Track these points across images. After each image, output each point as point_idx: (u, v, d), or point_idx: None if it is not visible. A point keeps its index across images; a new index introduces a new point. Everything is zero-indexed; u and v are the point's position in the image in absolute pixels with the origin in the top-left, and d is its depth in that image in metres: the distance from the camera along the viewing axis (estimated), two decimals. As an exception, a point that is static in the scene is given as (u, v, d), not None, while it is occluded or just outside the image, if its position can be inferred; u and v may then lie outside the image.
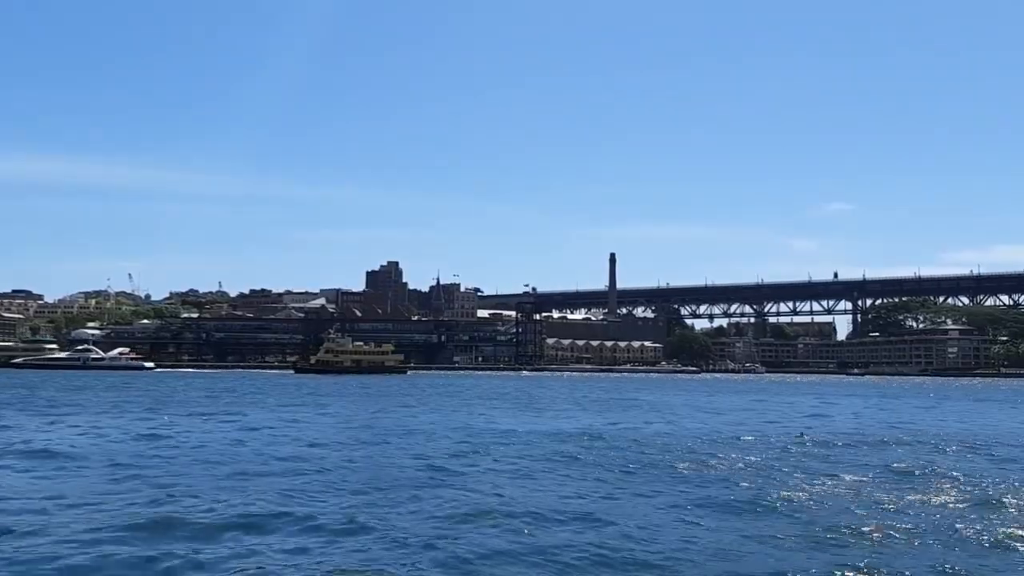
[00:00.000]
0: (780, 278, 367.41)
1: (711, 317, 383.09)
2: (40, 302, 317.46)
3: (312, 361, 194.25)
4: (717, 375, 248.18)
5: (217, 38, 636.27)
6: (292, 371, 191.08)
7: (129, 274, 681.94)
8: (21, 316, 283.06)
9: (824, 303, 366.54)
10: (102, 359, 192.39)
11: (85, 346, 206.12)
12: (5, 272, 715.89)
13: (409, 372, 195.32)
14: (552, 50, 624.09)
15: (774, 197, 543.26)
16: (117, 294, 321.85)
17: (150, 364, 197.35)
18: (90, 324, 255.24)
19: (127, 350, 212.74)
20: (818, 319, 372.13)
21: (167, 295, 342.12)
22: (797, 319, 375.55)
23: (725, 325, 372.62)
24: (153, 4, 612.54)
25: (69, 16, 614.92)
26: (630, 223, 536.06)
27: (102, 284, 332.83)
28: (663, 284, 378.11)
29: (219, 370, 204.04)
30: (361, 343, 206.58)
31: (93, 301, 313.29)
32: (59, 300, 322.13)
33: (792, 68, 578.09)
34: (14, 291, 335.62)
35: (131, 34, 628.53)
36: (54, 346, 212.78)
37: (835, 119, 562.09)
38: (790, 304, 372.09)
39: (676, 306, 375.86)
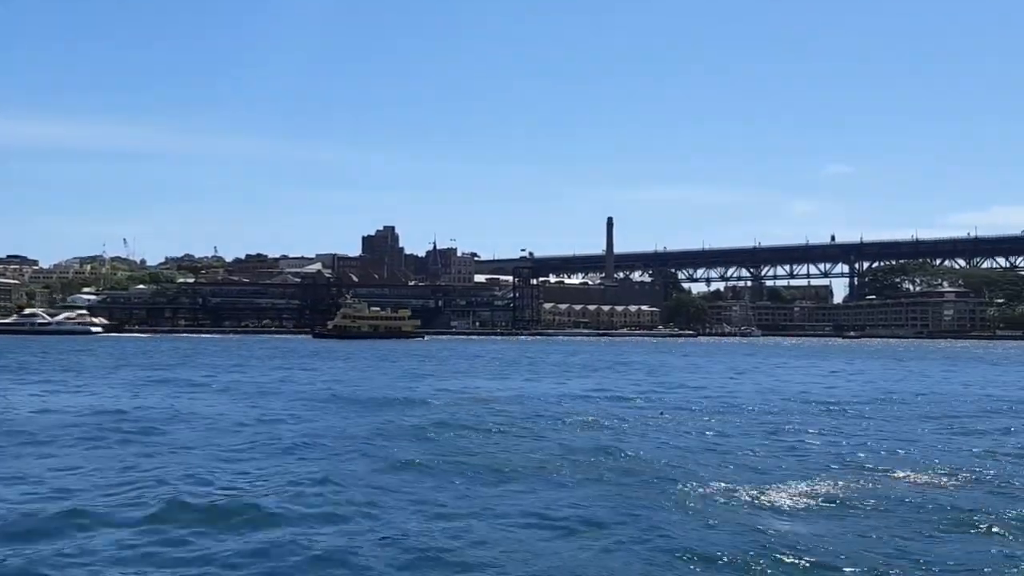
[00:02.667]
0: (777, 241, 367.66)
1: (708, 281, 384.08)
2: (35, 268, 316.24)
3: (330, 326, 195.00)
4: (713, 339, 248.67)
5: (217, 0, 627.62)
6: (310, 335, 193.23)
7: (124, 239, 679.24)
8: (16, 282, 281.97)
9: (821, 266, 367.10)
10: (48, 324, 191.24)
11: (31, 311, 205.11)
12: (2, 237, 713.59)
13: (426, 337, 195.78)
14: (545, 9, 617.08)
15: (773, 160, 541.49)
16: (112, 259, 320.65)
17: (97, 328, 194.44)
18: (85, 289, 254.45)
19: (74, 314, 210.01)
20: (815, 282, 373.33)
21: (163, 260, 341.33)
22: (794, 282, 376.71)
23: (722, 289, 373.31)
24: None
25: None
26: (627, 186, 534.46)
27: (97, 249, 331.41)
28: (660, 248, 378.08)
29: (225, 334, 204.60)
30: (378, 308, 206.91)
31: (88, 267, 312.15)
32: (54, 266, 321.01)
33: (790, 29, 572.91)
34: (9, 256, 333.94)
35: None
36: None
37: (834, 81, 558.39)
38: (787, 267, 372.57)
39: (673, 270, 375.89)
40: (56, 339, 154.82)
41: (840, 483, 18.52)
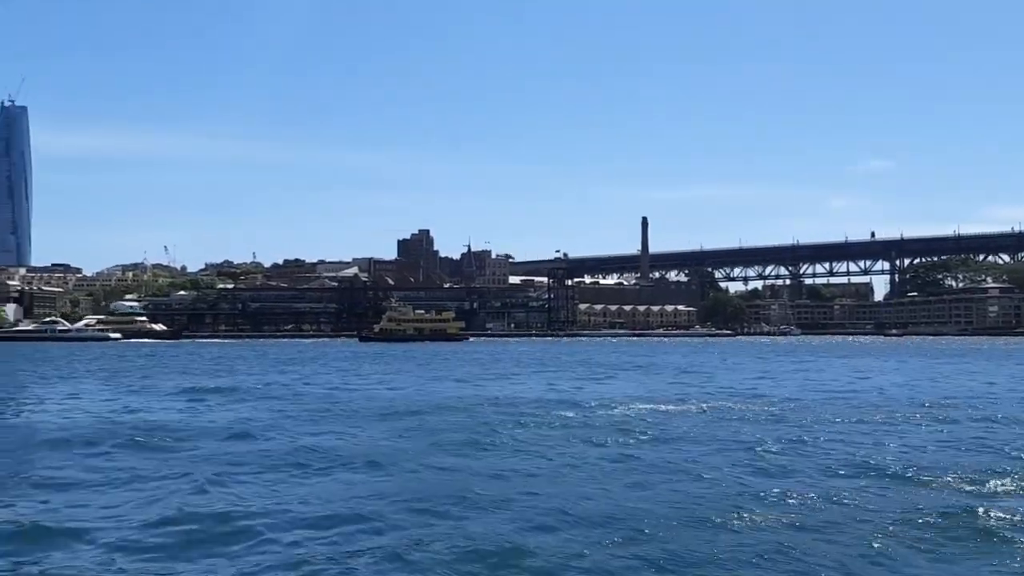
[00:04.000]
0: (816, 239, 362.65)
1: (745, 280, 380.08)
2: (79, 276, 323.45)
3: (376, 330, 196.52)
4: (752, 338, 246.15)
5: (253, 9, 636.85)
6: (356, 339, 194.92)
7: (165, 246, 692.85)
8: (61, 290, 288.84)
9: (861, 263, 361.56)
10: (68, 330, 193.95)
11: (52, 318, 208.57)
12: (45, 246, 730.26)
13: (471, 339, 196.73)
14: (575, 5, 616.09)
15: (810, 155, 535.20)
16: (154, 266, 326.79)
17: (116, 335, 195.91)
18: (128, 296, 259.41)
19: (93, 320, 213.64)
20: (855, 280, 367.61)
21: (202, 266, 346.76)
22: (834, 280, 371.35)
23: (760, 288, 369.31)
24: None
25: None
26: (662, 185, 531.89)
27: (139, 257, 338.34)
28: (696, 247, 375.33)
29: (263, 339, 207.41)
30: (422, 311, 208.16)
31: (130, 274, 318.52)
32: (97, 273, 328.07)
33: (827, 23, 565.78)
34: (54, 265, 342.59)
35: (160, 4, 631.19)
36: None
37: (872, 74, 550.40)
38: (826, 265, 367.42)
39: (710, 269, 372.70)
40: (101, 345, 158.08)
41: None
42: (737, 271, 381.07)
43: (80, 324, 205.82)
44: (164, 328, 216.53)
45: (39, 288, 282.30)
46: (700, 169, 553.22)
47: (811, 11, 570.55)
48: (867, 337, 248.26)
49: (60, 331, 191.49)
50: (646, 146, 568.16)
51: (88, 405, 38.50)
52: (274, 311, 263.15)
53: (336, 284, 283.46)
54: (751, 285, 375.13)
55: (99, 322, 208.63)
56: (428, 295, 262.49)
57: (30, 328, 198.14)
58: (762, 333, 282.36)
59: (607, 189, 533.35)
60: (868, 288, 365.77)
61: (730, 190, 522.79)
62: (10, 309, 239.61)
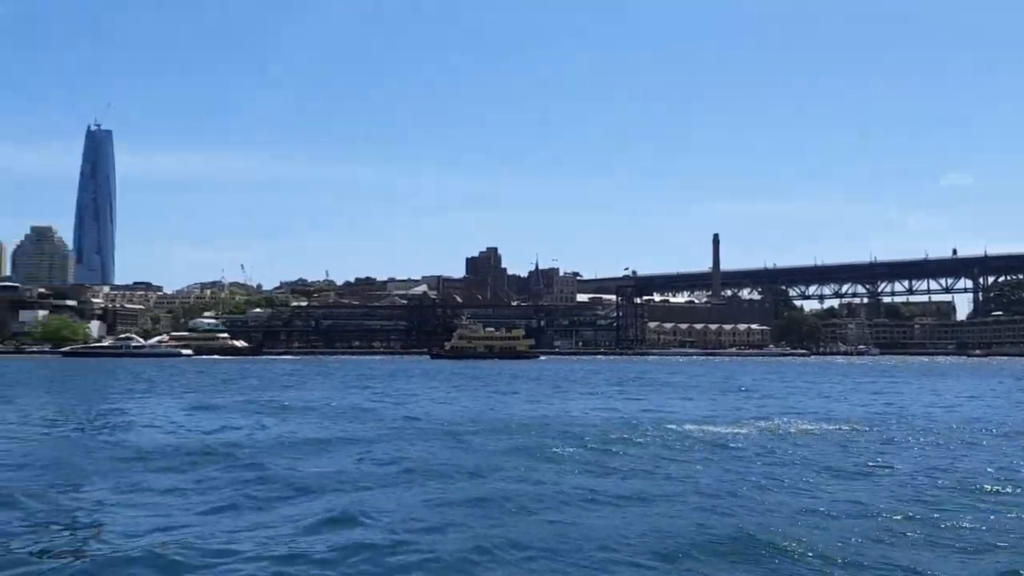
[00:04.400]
0: (895, 256, 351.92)
1: (821, 298, 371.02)
2: (159, 294, 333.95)
3: (446, 347, 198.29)
4: (828, 358, 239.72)
5: (312, 33, 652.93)
6: (427, 356, 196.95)
7: (242, 265, 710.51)
8: (142, 307, 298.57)
9: (942, 281, 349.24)
10: (143, 346, 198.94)
11: (127, 335, 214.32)
12: (128, 265, 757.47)
13: (541, 357, 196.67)
14: (640, 24, 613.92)
15: (888, 171, 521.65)
16: (231, 284, 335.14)
17: (188, 352, 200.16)
18: (206, 314, 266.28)
19: (165, 337, 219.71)
20: (936, 298, 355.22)
21: (278, 284, 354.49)
22: (913, 299, 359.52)
23: (836, 306, 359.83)
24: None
25: (167, 14, 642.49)
26: (734, 202, 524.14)
27: (217, 275, 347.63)
28: (770, 265, 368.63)
29: (337, 356, 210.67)
30: (492, 329, 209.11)
31: (208, 292, 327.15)
32: (177, 291, 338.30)
33: (905, 37, 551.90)
34: (135, 283, 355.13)
35: (227, 24, 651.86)
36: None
37: (950, 87, 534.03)
38: (905, 283, 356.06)
39: (784, 287, 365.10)
40: (180, 361, 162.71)
41: None
42: (812, 289, 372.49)
43: (153, 340, 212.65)
44: (244, 345, 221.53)
45: (122, 306, 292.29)
46: (773, 185, 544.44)
47: (886, 25, 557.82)
48: (949, 357, 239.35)
49: (134, 347, 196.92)
50: (717, 162, 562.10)
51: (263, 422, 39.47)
52: (346, 328, 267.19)
53: (405, 302, 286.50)
54: (827, 304, 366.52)
55: (184, 339, 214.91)
56: (496, 313, 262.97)
57: (106, 344, 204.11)
58: (838, 353, 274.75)
59: (677, 205, 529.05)
60: (950, 307, 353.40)
61: (805, 206, 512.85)
62: (95, 326, 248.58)
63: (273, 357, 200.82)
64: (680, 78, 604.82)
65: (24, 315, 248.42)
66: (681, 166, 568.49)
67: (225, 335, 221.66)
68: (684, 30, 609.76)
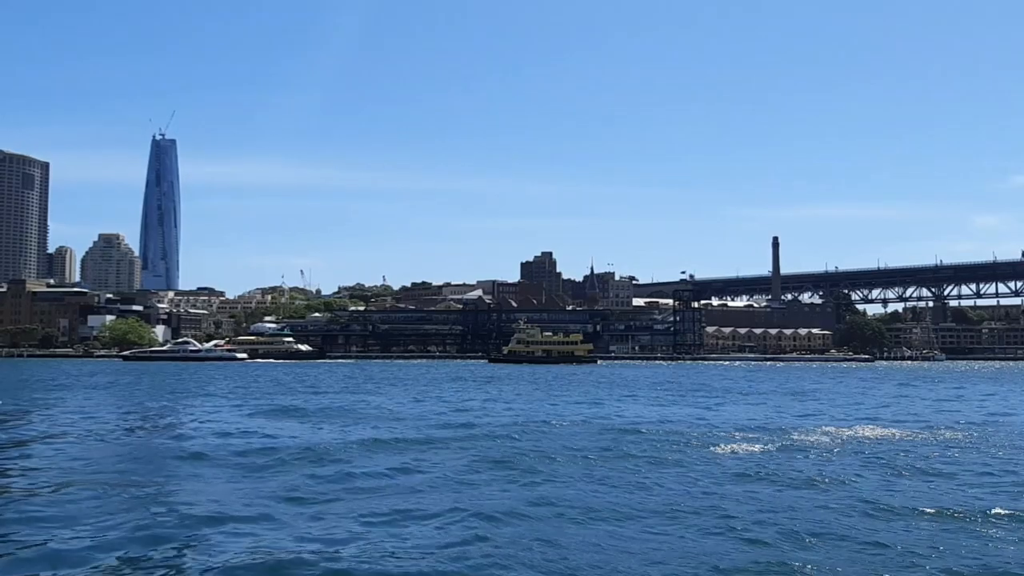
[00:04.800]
0: (961, 258, 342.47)
1: (885, 302, 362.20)
2: (222, 298, 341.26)
3: (504, 351, 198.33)
4: (892, 363, 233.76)
5: (371, 44, 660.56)
6: (485, 360, 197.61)
7: (301, 270, 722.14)
8: (205, 312, 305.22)
9: (1012, 284, 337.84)
10: (199, 350, 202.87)
11: (184, 339, 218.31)
12: (193, 270, 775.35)
13: (600, 362, 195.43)
14: (693, 26, 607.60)
15: (952, 171, 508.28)
16: (291, 289, 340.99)
17: (242, 355, 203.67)
18: (267, 318, 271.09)
19: (221, 342, 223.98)
20: (1004, 302, 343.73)
21: (336, 289, 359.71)
22: (981, 303, 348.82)
23: (901, 310, 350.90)
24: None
25: (212, 27, 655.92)
26: (794, 204, 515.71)
27: (277, 280, 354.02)
28: (831, 268, 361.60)
29: (396, 359, 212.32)
30: (550, 333, 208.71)
31: (269, 296, 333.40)
32: (239, 296, 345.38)
33: (972, 37, 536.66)
34: (199, 288, 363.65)
35: (282, 33, 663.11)
36: (290, 339, 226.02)
37: (1019, 86, 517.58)
38: (972, 286, 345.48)
39: (846, 291, 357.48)
40: (239, 365, 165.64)
41: None
42: (876, 293, 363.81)
43: (209, 345, 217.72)
44: (307, 348, 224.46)
45: (186, 310, 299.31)
46: (834, 187, 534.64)
47: (952, 24, 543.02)
48: (1020, 363, 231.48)
49: (191, 351, 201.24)
50: (776, 164, 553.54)
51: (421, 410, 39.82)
52: (403, 332, 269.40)
53: (461, 306, 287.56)
54: (891, 307, 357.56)
55: (249, 343, 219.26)
56: (551, 317, 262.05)
57: (165, 348, 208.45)
58: (903, 358, 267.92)
59: (735, 208, 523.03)
60: (1019, 311, 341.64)
61: (867, 209, 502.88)
62: (160, 330, 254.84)
63: (337, 361, 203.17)
64: (738, 81, 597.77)
65: (93, 320, 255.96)
66: (739, 168, 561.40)
67: (290, 339, 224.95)
68: (743, 33, 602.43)
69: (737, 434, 34.89)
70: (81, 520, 17.57)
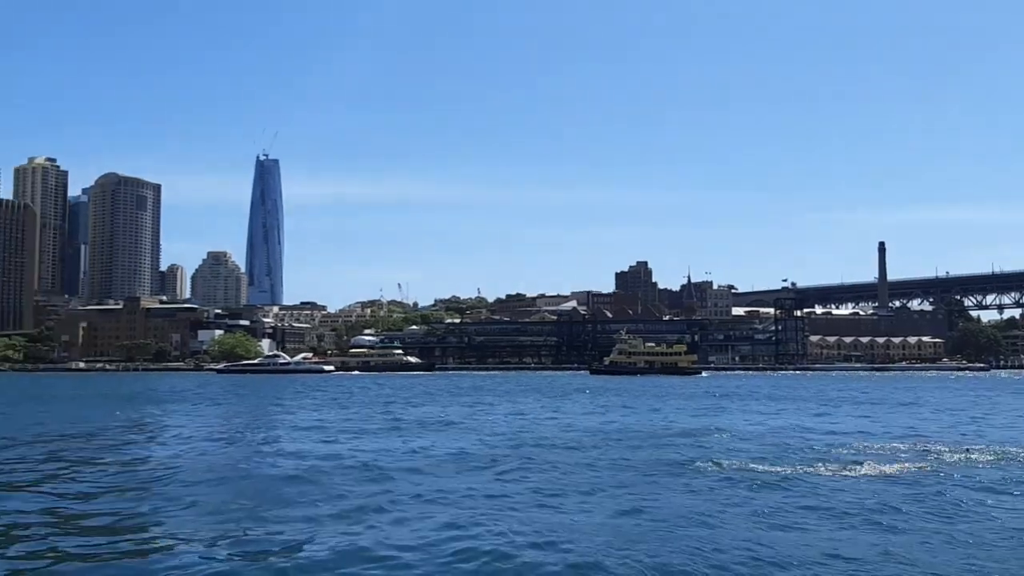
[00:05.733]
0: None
1: (1000, 308, 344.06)
2: (324, 312, 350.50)
3: (606, 363, 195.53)
4: (1011, 372, 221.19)
5: (461, 59, 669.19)
6: (587, 372, 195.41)
7: (399, 283, 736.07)
8: (308, 326, 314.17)
9: None
10: (288, 364, 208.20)
11: (274, 352, 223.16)
12: (296, 285, 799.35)
13: (704, 373, 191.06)
14: (788, 33, 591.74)
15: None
16: (389, 302, 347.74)
17: (330, 367, 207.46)
18: (366, 331, 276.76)
19: (310, 355, 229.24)
20: None
21: (432, 302, 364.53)
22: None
23: (1018, 316, 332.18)
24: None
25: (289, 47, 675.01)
26: (899, 208, 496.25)
27: (376, 293, 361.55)
28: (941, 273, 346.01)
29: (490, 371, 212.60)
30: (652, 344, 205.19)
31: (368, 310, 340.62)
32: (340, 310, 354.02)
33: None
34: (302, 303, 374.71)
35: (378, 55, 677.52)
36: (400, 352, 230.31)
37: None
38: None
39: (958, 297, 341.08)
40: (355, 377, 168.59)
41: None
42: (990, 298, 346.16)
43: (298, 357, 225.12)
44: (418, 361, 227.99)
45: (290, 325, 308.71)
46: (942, 189, 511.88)
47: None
48: None
49: (280, 364, 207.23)
50: (879, 167, 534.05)
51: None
52: (498, 344, 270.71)
53: (555, 318, 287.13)
54: (1007, 314, 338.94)
55: (363, 355, 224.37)
56: (647, 328, 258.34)
57: (256, 362, 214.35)
58: (1022, 367, 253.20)
59: (837, 213, 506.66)
60: None
61: (979, 210, 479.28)
62: (265, 344, 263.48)
63: (448, 373, 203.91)
64: (835, 81, 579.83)
65: (203, 335, 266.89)
66: (840, 173, 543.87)
67: (399, 352, 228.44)
68: (840, 28, 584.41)
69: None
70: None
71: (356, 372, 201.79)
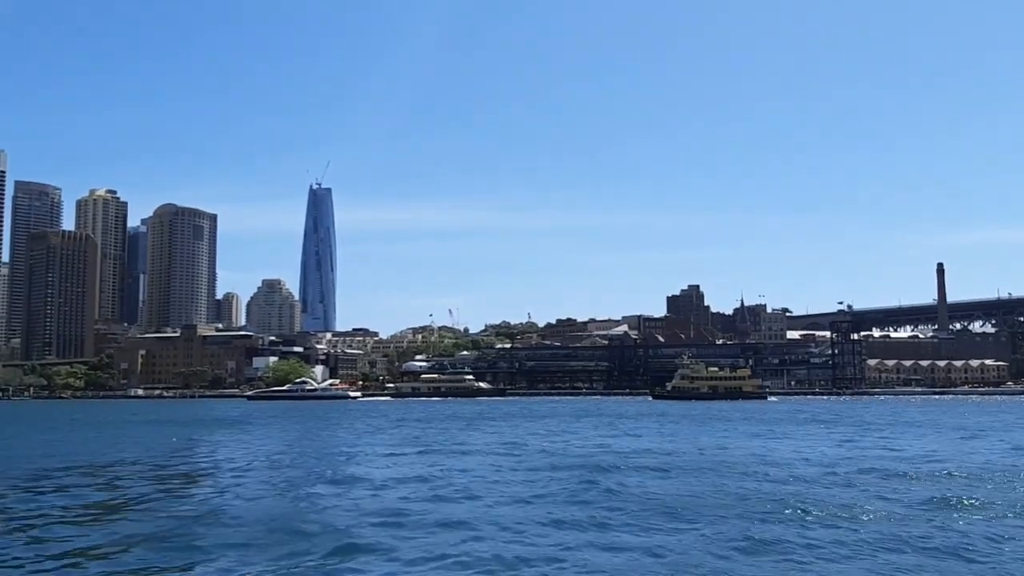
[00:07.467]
0: None
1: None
2: (376, 338, 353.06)
3: (668, 388, 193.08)
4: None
5: (509, 88, 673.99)
6: (650, 397, 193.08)
7: (450, 309, 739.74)
8: (360, 352, 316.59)
9: None
10: (315, 390, 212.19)
11: (302, 379, 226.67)
12: (348, 312, 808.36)
13: (770, 398, 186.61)
14: (843, 50, 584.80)
15: None
16: (440, 328, 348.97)
17: (355, 393, 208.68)
18: (418, 357, 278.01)
19: (337, 381, 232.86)
20: None
21: (483, 327, 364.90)
22: None
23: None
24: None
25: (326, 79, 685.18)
26: (958, 229, 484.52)
27: (426, 320, 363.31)
28: (1004, 295, 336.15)
29: (545, 396, 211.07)
30: (716, 368, 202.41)
31: (420, 336, 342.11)
32: (391, 336, 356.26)
33: None
34: (354, 329, 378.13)
35: (427, 84, 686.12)
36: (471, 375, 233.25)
37: None
38: None
39: (1021, 319, 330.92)
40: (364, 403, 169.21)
41: None
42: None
43: (324, 384, 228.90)
44: (489, 386, 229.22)
45: (343, 351, 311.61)
46: (1003, 209, 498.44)
47: None
48: None
49: (308, 391, 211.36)
50: (936, 188, 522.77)
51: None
52: (548, 369, 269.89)
53: (606, 342, 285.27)
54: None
55: (435, 381, 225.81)
56: (700, 352, 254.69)
57: (284, 388, 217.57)
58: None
59: (894, 235, 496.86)
60: None
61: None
62: (319, 370, 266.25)
63: (519, 398, 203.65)
64: (898, 102, 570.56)
65: (257, 361, 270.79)
66: (897, 195, 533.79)
67: (471, 377, 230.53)
68: (891, 45, 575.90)
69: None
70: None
71: (423, 398, 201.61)
